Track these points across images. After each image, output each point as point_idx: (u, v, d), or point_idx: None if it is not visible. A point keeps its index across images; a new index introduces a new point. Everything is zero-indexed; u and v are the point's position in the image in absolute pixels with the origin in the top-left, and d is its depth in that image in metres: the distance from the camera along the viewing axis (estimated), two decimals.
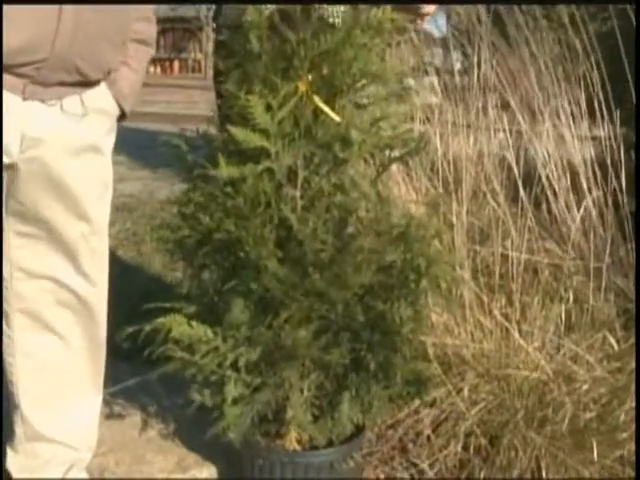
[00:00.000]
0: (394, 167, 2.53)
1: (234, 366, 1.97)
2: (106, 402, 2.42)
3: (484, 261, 2.69)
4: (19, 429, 2.00)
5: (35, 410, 1.97)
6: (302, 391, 1.99)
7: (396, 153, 2.01)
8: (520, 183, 2.65)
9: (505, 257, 2.63)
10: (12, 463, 2.06)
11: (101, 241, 1.89)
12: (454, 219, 2.58)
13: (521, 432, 2.21)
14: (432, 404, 2.32)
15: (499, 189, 2.72)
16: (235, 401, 1.99)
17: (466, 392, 2.28)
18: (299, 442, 2.05)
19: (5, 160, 1.72)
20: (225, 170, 1.86)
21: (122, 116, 1.89)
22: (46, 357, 1.94)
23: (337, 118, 1.89)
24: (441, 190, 2.73)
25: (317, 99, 1.88)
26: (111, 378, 2.46)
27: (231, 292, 1.95)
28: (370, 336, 1.92)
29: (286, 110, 1.86)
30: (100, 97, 1.81)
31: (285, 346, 1.91)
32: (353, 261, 1.88)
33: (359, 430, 2.11)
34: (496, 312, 2.49)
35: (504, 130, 2.83)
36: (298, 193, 1.95)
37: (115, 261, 3.33)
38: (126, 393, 2.43)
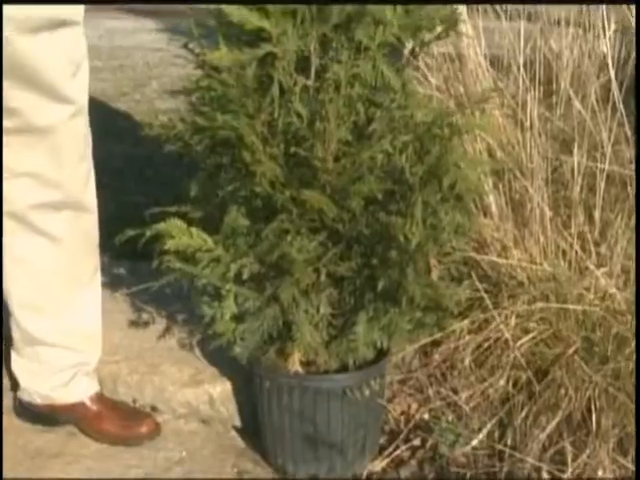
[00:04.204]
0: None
1: (238, 278, 1.83)
2: (126, 306, 2.37)
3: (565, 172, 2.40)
4: (16, 334, 1.99)
5: (27, 315, 1.94)
6: (309, 309, 1.83)
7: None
8: (616, 87, 2.33)
9: (591, 169, 2.34)
10: (16, 367, 2.05)
11: (84, 124, 1.75)
12: (527, 123, 2.29)
13: (575, 368, 1.98)
14: (477, 330, 2.12)
15: (592, 93, 2.40)
16: (239, 316, 1.87)
17: (514, 320, 2.06)
18: (306, 364, 1.91)
19: None
20: (219, 56, 1.65)
21: None
22: (35, 260, 1.87)
23: None
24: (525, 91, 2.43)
25: None
26: (133, 278, 2.43)
27: (233, 197, 1.81)
28: (383, 251, 1.71)
29: None
30: None
31: (289, 257, 1.73)
32: (369, 164, 1.68)
33: (381, 355, 1.94)
34: (572, 230, 2.22)
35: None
36: (311, 82, 1.73)
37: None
38: (151, 296, 2.32)
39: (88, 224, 1.90)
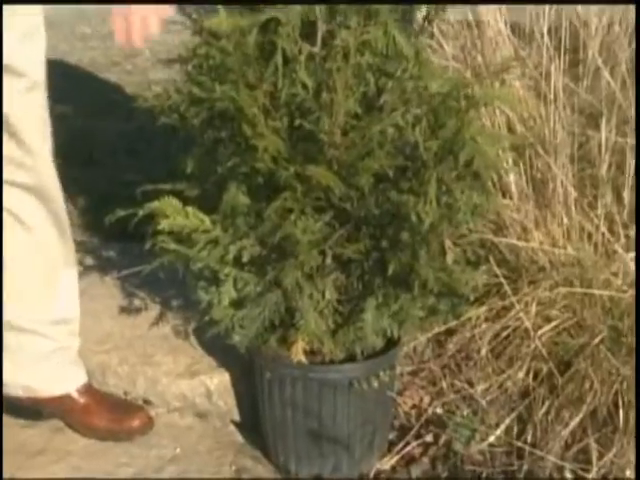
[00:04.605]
0: None
1: (237, 261, 1.86)
2: (116, 290, 2.40)
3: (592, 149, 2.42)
4: None
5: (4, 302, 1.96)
6: (314, 294, 1.86)
7: None
8: None
9: (620, 145, 2.35)
10: None
11: (42, 97, 1.79)
12: (551, 95, 2.31)
13: (601, 360, 2.00)
14: (495, 317, 2.16)
15: (623, 63, 2.41)
16: (238, 302, 1.90)
17: (534, 307, 2.09)
18: (310, 354, 1.94)
19: None
20: (217, 22, 1.68)
21: None
22: (7, 246, 1.92)
23: None
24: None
25: None
26: (124, 261, 2.46)
27: (233, 174, 1.83)
28: (394, 233, 1.74)
29: None
30: None
31: (293, 238, 1.76)
32: (380, 139, 1.70)
33: (391, 344, 1.97)
34: (599, 211, 2.25)
35: None
36: (317, 50, 1.75)
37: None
38: (143, 280, 2.34)
39: (57, 208, 1.95)
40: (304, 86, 1.71)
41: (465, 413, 2.08)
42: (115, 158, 3.10)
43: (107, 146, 3.15)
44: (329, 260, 1.85)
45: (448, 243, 1.72)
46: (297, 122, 1.72)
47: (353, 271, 1.86)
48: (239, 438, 2.15)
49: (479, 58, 2.34)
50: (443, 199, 1.70)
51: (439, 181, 1.67)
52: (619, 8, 2.61)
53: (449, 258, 1.72)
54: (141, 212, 1.86)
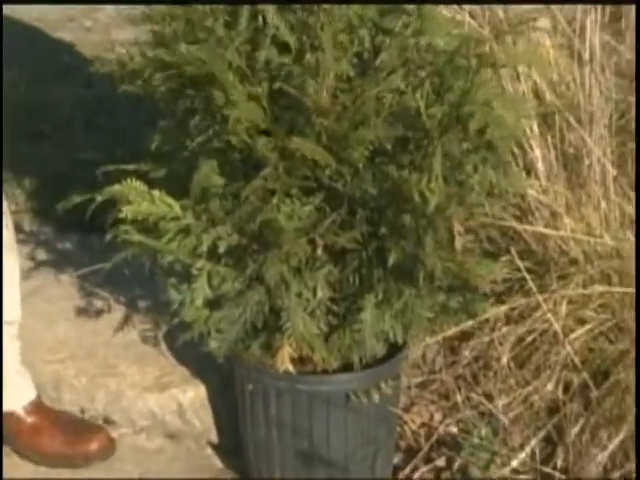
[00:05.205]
0: None
1: (212, 254, 1.87)
2: (73, 290, 2.41)
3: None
4: None
5: None
6: (303, 291, 1.86)
7: None
8: None
9: None
10: None
11: None
12: (587, 55, 2.32)
13: None
14: (518, 318, 2.16)
15: None
16: (215, 302, 1.91)
17: (565, 307, 2.10)
18: (299, 362, 1.95)
19: None
20: None
21: None
22: None
23: None
24: None
25: None
26: (82, 255, 2.47)
27: (204, 150, 1.84)
28: (395, 216, 1.75)
29: None
30: None
31: (276, 225, 1.77)
32: (376, 105, 1.71)
33: (394, 350, 1.98)
34: None
35: None
36: None
37: None
38: (104, 277, 2.33)
39: None
40: (284, 45, 1.72)
41: (483, 433, 2.09)
42: (70, 132, 3.09)
43: (61, 118, 3.14)
44: (320, 251, 1.86)
45: (458, 228, 1.72)
46: (277, 86, 1.72)
47: (348, 263, 1.87)
48: (217, 462, 2.17)
49: (500, 12, 2.34)
50: (451, 176, 1.71)
51: (446, 154, 1.68)
52: None
53: (457, 244, 1.72)
54: (100, 197, 1.87)
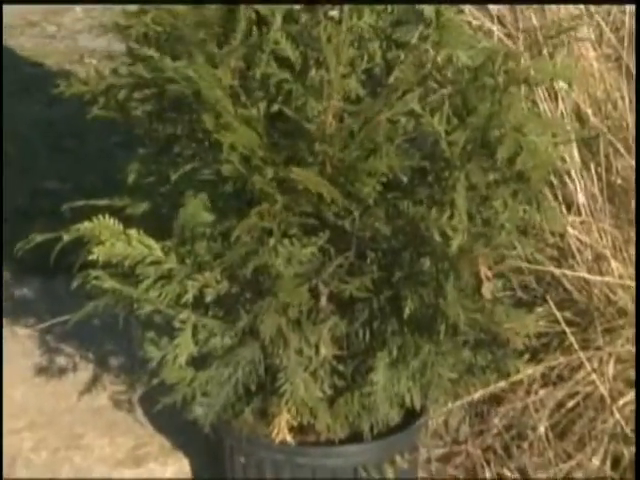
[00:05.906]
0: None
1: (199, 303, 1.91)
2: (32, 345, 2.45)
3: None
4: None
5: None
6: (304, 348, 1.90)
7: None
8: None
9: None
10: None
11: None
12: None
13: None
14: (557, 380, 2.19)
15: None
16: (201, 360, 1.95)
17: (612, 366, 2.13)
18: (299, 431, 1.98)
19: None
20: None
21: None
22: None
23: None
24: None
25: None
26: (44, 303, 2.53)
27: (191, 183, 1.88)
28: (411, 259, 1.79)
29: None
30: None
31: (273, 270, 1.81)
32: (389, 131, 1.76)
33: (412, 417, 2.02)
34: None
35: None
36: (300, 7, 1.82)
37: None
38: (70, 330, 2.35)
39: None
40: (284, 60, 1.76)
41: None
42: (33, 158, 3.13)
43: (22, 141, 3.19)
44: (323, 300, 1.91)
45: (485, 272, 1.74)
46: (276, 108, 1.76)
47: (357, 315, 1.92)
48: None
49: (534, 20, 2.37)
50: (477, 212, 1.74)
51: (470, 187, 1.71)
52: None
53: (486, 291, 1.74)
54: (67, 236, 1.91)
